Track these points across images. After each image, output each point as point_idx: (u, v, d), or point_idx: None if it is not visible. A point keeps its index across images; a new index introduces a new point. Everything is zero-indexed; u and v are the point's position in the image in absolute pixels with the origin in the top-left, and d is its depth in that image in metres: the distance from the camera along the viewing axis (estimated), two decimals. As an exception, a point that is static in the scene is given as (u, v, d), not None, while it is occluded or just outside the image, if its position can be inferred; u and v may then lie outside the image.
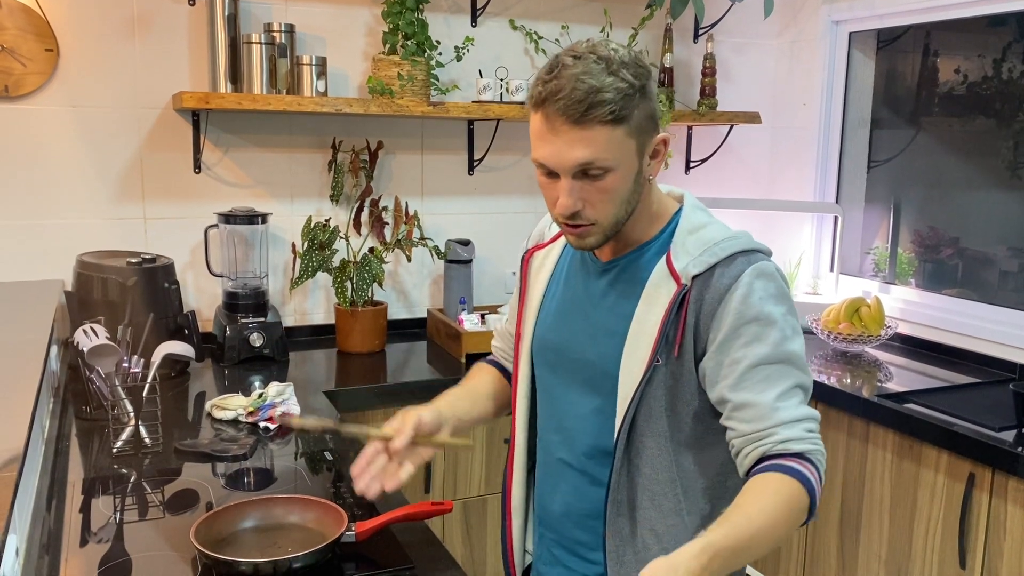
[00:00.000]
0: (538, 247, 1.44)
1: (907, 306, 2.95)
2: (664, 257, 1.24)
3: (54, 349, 1.98)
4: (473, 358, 2.62)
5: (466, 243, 2.91)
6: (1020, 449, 1.96)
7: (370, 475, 1.24)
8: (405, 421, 1.26)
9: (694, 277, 1.21)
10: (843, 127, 3.27)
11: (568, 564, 1.37)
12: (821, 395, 2.49)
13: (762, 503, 1.11)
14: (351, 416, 2.32)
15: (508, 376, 1.54)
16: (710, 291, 1.20)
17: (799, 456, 1.15)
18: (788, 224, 3.43)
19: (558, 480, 1.36)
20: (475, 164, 3.03)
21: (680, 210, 1.29)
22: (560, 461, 1.35)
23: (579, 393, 1.32)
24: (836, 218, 3.24)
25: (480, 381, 1.52)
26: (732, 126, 3.32)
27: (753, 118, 3.21)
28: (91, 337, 1.87)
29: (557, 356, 1.35)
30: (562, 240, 1.41)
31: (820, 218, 3.34)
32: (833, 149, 3.28)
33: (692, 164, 3.39)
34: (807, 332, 2.99)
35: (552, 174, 1.19)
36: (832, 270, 3.28)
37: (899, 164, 3.16)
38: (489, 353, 1.61)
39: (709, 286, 1.20)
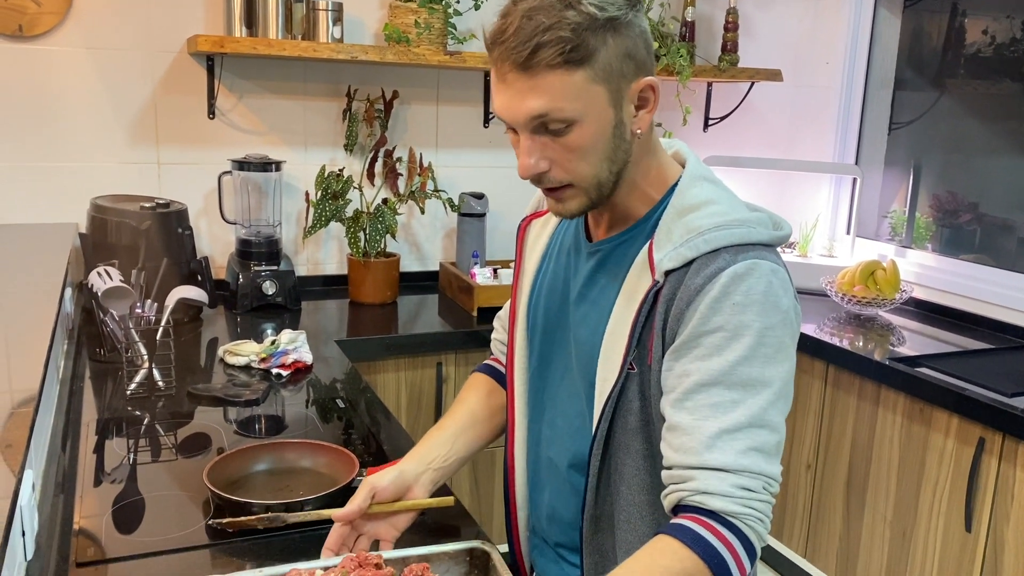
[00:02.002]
0: (536, 215, 1.27)
1: (923, 270, 2.93)
2: (650, 242, 1.04)
3: (68, 291, 1.99)
4: (485, 312, 2.62)
5: (480, 196, 2.89)
6: (1032, 415, 1.96)
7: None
8: (358, 492, 1.12)
9: (668, 272, 1.01)
10: (865, 87, 3.21)
11: (555, 564, 1.25)
12: (832, 357, 2.48)
13: None
14: (364, 365, 2.32)
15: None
16: (682, 290, 0.99)
17: (715, 516, 0.93)
18: (806, 185, 3.40)
19: (546, 480, 1.22)
20: (491, 116, 3.00)
21: (679, 180, 1.07)
22: (549, 460, 1.21)
23: (567, 391, 1.16)
24: (855, 180, 3.20)
25: (468, 406, 1.31)
26: (753, 83, 3.27)
27: (774, 76, 3.15)
28: (105, 279, 1.87)
29: (547, 345, 1.19)
30: None
31: (838, 180, 3.31)
32: (854, 109, 3.24)
33: (711, 122, 3.35)
34: (820, 294, 2.98)
35: (514, 130, 1.01)
36: (849, 233, 3.25)
37: (921, 126, 3.11)
38: (491, 332, 1.45)
39: (683, 284, 0.99)
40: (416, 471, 1.18)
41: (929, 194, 3.06)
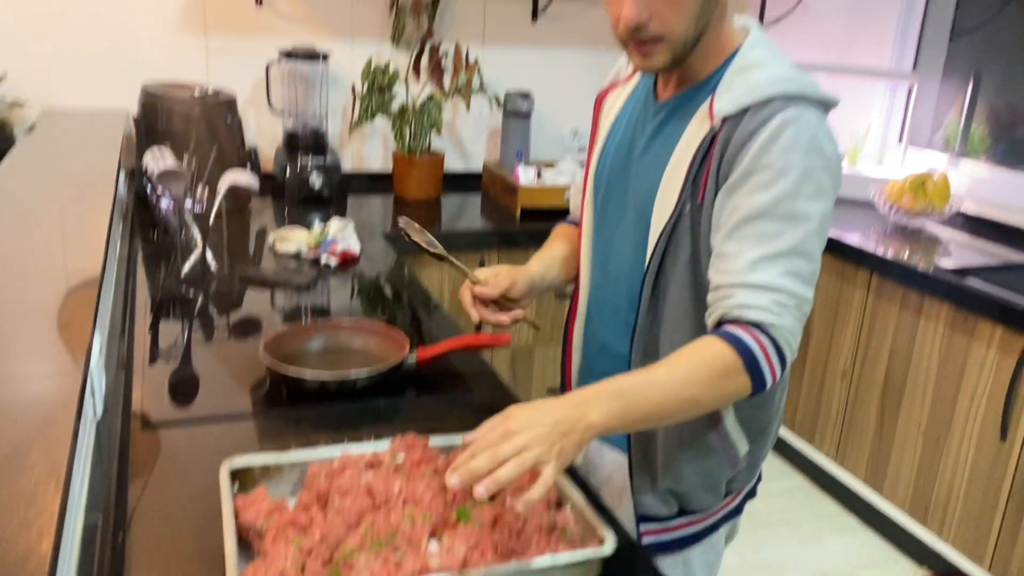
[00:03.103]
0: (612, 86, 1.37)
1: (975, 183, 2.87)
2: (711, 96, 1.14)
3: (122, 175, 2.03)
4: (528, 213, 2.63)
5: (526, 95, 2.86)
6: (1078, 327, 1.95)
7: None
8: (500, 277, 1.32)
9: (725, 119, 1.11)
10: (929, -9, 3.09)
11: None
12: (876, 266, 2.46)
13: (677, 368, 1.04)
14: (410, 258, 2.36)
15: None
16: (737, 134, 1.09)
17: (753, 325, 1.04)
18: (860, 91, 3.31)
19: (601, 319, 1.35)
20: (540, 12, 2.94)
21: (742, 45, 1.17)
22: (603, 301, 1.34)
23: (623, 234, 1.28)
24: (910, 87, 3.11)
25: (557, 248, 1.48)
26: (810, -16, 3.16)
27: (834, -24, 3.04)
28: (160, 160, 1.90)
29: (608, 196, 1.31)
30: (633, 81, 1.34)
31: (894, 86, 3.21)
32: (916, 14, 3.12)
33: (767, 24, 3.25)
34: (868, 204, 2.94)
35: None
36: (901, 142, 3.18)
37: (984, 35, 2.99)
38: (561, 213, 1.56)
39: (737, 129, 1.09)
40: (538, 285, 1.39)
41: (987, 105, 2.97)
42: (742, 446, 1.24)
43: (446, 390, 1.41)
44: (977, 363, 2.20)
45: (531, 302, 1.43)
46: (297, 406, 1.32)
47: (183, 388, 1.38)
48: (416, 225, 1.43)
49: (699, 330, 1.15)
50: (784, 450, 2.92)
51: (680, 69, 1.17)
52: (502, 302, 1.33)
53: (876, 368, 2.52)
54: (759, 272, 1.05)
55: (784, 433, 2.91)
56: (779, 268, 1.05)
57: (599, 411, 0.97)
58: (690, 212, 1.15)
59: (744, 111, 1.09)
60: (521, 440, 0.91)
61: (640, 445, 1.26)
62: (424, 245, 1.40)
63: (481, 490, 0.88)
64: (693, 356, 1.04)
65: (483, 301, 1.33)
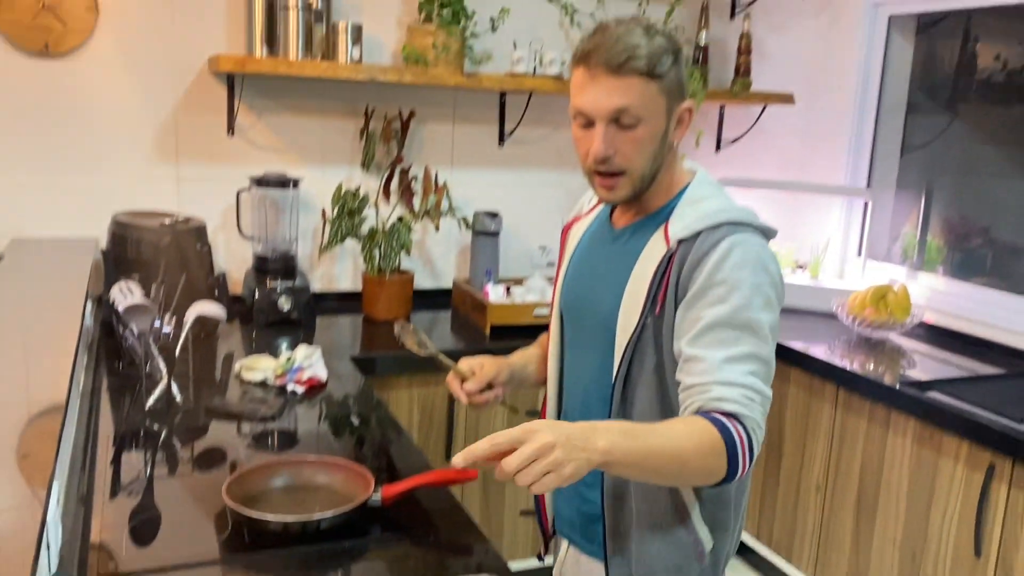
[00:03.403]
0: (576, 219, 1.54)
1: (934, 294, 2.94)
2: (664, 224, 1.32)
3: (89, 306, 2.02)
4: (498, 330, 2.65)
5: (494, 215, 2.92)
6: (1042, 442, 1.97)
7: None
8: (485, 369, 1.48)
9: (681, 241, 1.28)
10: (878, 111, 3.23)
11: (575, 500, 1.47)
12: (843, 380, 2.49)
13: (674, 428, 1.16)
14: (378, 381, 2.35)
15: None
16: (692, 254, 1.25)
17: (729, 415, 1.18)
18: (818, 207, 3.41)
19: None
20: (506, 136, 3.03)
21: (690, 183, 1.37)
22: (574, 410, 1.46)
23: (589, 346, 1.41)
24: (866, 203, 3.22)
25: (537, 349, 1.64)
26: (765, 106, 3.30)
27: (787, 99, 3.18)
28: (127, 295, 1.90)
29: (574, 313, 1.46)
30: (593, 213, 1.51)
31: (850, 202, 3.32)
32: (867, 133, 3.25)
33: (724, 143, 3.37)
34: (831, 316, 2.99)
35: (588, 124, 1.28)
36: (860, 255, 3.26)
37: (933, 150, 3.13)
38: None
39: (692, 250, 1.26)
40: (519, 376, 1.56)
41: (940, 217, 3.08)
42: (707, 542, 1.35)
43: (413, 529, 1.39)
44: (947, 478, 2.20)
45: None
46: (261, 550, 1.29)
47: (143, 529, 1.35)
48: (411, 327, 1.56)
49: None
50: (761, 566, 2.88)
51: (637, 202, 1.36)
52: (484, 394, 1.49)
53: (849, 482, 2.51)
54: (726, 371, 1.19)
55: (761, 548, 2.87)
56: (742, 368, 1.20)
57: (607, 439, 1.08)
58: (652, 323, 1.29)
59: (697, 235, 1.26)
60: (556, 453, 1.04)
61: (616, 543, 1.38)
62: (416, 350, 1.53)
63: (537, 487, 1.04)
64: (689, 424, 1.17)
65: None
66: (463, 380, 1.48)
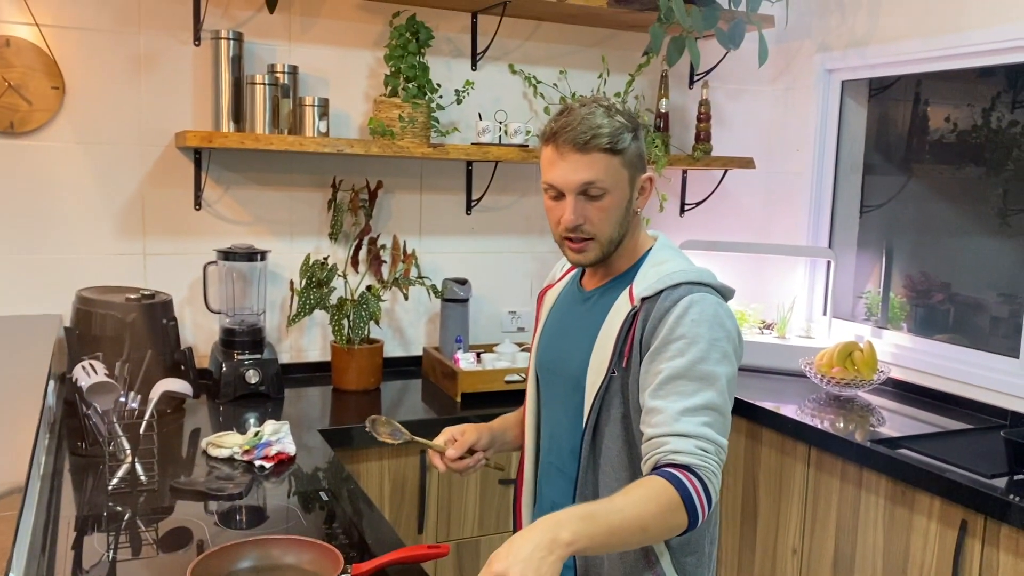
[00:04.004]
0: (549, 286, 1.68)
1: (899, 351, 2.98)
2: (630, 284, 1.44)
3: (51, 384, 1.99)
4: (469, 397, 2.63)
5: (463, 282, 2.93)
6: (1012, 496, 1.98)
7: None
8: (466, 435, 1.58)
9: (644, 299, 1.40)
10: (836, 172, 3.32)
11: None
12: (814, 439, 2.50)
13: (631, 497, 1.22)
14: (348, 453, 2.32)
15: None
16: (655, 311, 1.37)
17: (684, 468, 1.25)
18: (782, 268, 3.47)
19: (548, 481, 1.58)
20: (473, 204, 3.06)
21: (652, 247, 1.51)
22: (550, 464, 1.57)
23: (562, 400, 1.52)
24: (829, 262, 3.28)
25: (517, 414, 1.73)
26: (726, 171, 3.37)
27: (747, 163, 3.25)
28: (90, 374, 1.87)
29: (548, 371, 1.58)
30: (567, 277, 1.64)
31: (813, 262, 3.38)
32: (826, 194, 3.33)
33: (687, 208, 3.43)
34: (799, 375, 3.02)
35: (559, 196, 1.42)
36: (825, 314, 3.31)
37: (891, 209, 3.20)
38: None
39: (654, 307, 1.37)
40: (499, 439, 1.67)
41: (902, 275, 3.14)
42: None
43: (383, 606, 1.36)
44: (921, 536, 2.20)
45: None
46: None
47: (103, 620, 1.30)
48: (383, 419, 1.64)
49: (634, 476, 1.37)
50: (742, 632, 2.84)
51: (604, 265, 1.50)
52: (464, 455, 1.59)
53: (825, 543, 2.50)
54: (682, 423, 1.27)
55: (740, 614, 2.83)
56: (698, 420, 1.28)
57: (569, 530, 1.12)
58: (619, 376, 1.40)
59: (659, 293, 1.38)
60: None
61: None
62: (391, 441, 1.61)
63: None
64: (644, 489, 1.23)
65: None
66: (442, 453, 1.57)
